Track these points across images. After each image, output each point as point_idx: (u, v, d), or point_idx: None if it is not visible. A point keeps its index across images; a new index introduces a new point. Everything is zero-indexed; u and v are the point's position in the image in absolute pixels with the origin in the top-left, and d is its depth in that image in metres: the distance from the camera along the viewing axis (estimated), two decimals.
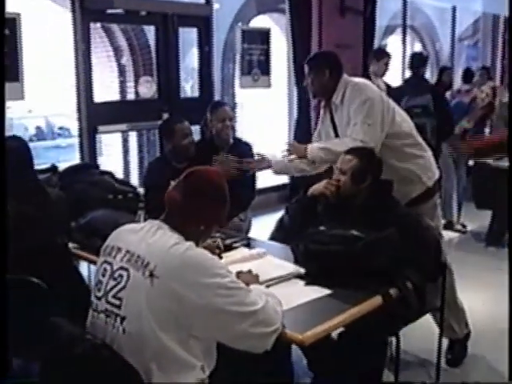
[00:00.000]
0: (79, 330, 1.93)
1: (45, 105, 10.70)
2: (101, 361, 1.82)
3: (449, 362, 3.40)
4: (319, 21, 7.13)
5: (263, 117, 9.82)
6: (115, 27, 8.43)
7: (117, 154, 8.78)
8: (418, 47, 12.49)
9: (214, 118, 3.88)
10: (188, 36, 6.76)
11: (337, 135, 3.30)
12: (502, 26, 11.55)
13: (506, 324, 2.59)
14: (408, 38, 12.39)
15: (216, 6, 8.23)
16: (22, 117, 11.13)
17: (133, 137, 8.36)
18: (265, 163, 3.54)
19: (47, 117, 11.45)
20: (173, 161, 3.67)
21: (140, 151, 8.14)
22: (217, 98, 7.72)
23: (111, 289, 1.92)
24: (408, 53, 10.54)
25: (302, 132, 6.46)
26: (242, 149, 3.95)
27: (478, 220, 5.94)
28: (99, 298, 1.96)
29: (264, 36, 6.91)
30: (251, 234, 3.92)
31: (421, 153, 3.28)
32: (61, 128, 11.76)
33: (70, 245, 3.07)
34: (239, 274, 2.32)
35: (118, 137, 8.64)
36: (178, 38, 6.08)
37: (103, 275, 1.97)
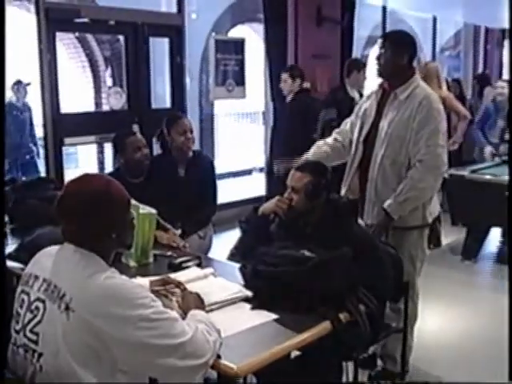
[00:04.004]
0: None
1: None
2: None
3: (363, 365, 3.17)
4: (295, 31, 7.04)
5: (240, 127, 9.73)
6: (90, 37, 8.34)
7: (94, 165, 8.69)
8: None
9: (173, 132, 3.73)
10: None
11: (374, 123, 3.15)
12: (483, 37, 11.53)
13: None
14: None
15: (193, 16, 8.16)
16: None
17: (108, 148, 8.24)
18: None
19: None
20: (126, 176, 3.51)
21: (115, 163, 8.02)
22: (193, 109, 7.62)
23: (28, 322, 1.77)
24: None
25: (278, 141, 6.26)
26: (202, 162, 3.82)
27: (456, 233, 5.81)
28: (17, 332, 1.81)
29: (238, 46, 6.78)
30: (214, 252, 3.78)
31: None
32: (40, 138, 11.57)
33: (15, 265, 2.91)
34: (184, 295, 2.20)
35: (94, 148, 8.54)
36: (148, 47, 5.94)
37: (21, 306, 1.82)
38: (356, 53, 8.78)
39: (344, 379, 2.60)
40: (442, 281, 4.42)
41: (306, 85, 6.05)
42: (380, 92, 3.20)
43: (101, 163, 8.47)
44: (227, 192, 6.86)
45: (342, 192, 3.29)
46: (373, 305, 2.36)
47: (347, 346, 2.37)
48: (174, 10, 6.34)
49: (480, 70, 11.34)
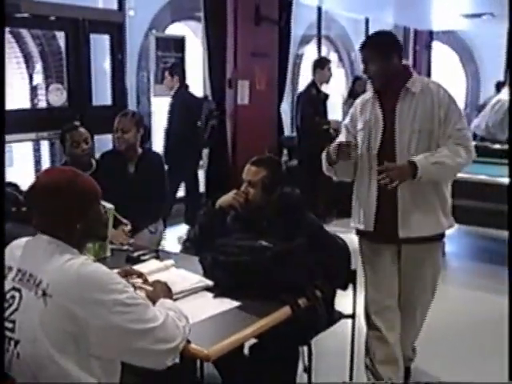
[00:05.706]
0: None
1: None
2: None
3: None
4: (234, 29, 7.13)
5: None
6: (25, 33, 8.15)
7: (28, 163, 8.51)
8: (333, 57, 12.75)
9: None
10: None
11: (385, 122, 2.88)
12: (412, 39, 11.98)
13: None
14: (324, 48, 12.67)
15: (131, 12, 8.11)
16: None
17: (45, 146, 8.12)
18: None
19: None
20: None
21: (52, 161, 7.90)
22: (131, 106, 7.59)
23: (4, 311, 1.80)
24: None
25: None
26: (151, 159, 3.87)
27: None
28: None
29: (178, 44, 6.84)
30: (169, 245, 3.85)
31: None
32: None
33: None
34: (153, 284, 2.28)
35: (29, 146, 8.36)
36: (89, 44, 5.89)
37: None
38: (292, 51, 8.96)
39: (300, 363, 2.73)
40: None
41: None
42: (376, 98, 2.94)
43: (37, 161, 8.30)
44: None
45: (356, 222, 3.04)
46: (327, 290, 2.50)
47: (305, 330, 2.50)
48: (112, 6, 6.33)
49: None
